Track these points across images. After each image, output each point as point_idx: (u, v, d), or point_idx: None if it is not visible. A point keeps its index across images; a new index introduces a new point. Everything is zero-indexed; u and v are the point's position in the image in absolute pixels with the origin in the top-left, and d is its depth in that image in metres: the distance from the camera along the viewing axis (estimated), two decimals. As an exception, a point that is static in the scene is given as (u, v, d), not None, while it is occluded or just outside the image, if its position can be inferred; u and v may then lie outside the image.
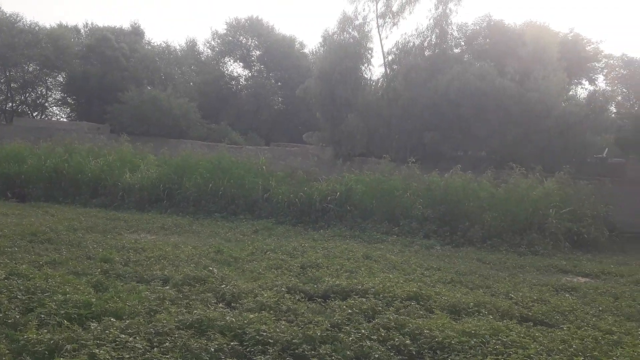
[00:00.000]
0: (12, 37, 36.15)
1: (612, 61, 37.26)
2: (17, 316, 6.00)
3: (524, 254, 13.75)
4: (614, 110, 29.64)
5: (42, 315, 6.05)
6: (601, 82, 36.86)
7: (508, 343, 6.22)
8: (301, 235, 14.10)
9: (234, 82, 42.86)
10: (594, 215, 16.57)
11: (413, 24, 50.54)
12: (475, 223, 15.20)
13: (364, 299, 7.54)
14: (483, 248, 14.15)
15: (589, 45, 33.08)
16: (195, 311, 6.59)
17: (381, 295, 7.83)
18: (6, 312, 6.04)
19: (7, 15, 38.25)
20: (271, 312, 6.86)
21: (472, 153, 24.71)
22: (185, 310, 6.70)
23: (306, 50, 42.47)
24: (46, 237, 10.92)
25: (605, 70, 37.49)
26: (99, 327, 5.83)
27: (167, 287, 7.75)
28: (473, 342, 6.16)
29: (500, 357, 5.91)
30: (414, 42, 26.41)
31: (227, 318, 6.35)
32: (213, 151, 23.57)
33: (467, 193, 16.09)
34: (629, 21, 74.82)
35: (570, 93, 29.86)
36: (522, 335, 6.54)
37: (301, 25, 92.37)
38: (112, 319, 6.08)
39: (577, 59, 30.06)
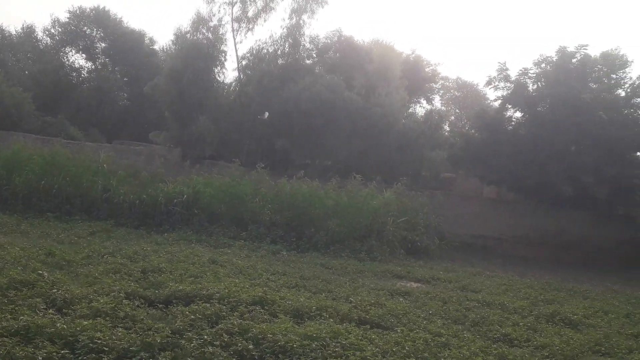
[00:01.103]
0: None
1: (448, 83, 40.71)
2: None
3: (363, 259, 14.40)
4: (448, 129, 32.27)
5: None
6: (437, 102, 40.03)
7: (347, 345, 6.46)
8: (143, 238, 13.49)
9: (75, 74, 40.07)
10: (427, 225, 17.91)
11: (268, 32, 50.98)
12: (320, 229, 15.64)
13: (208, 304, 7.41)
14: (327, 254, 14.58)
15: (428, 67, 35.69)
16: (22, 317, 6.06)
17: (226, 301, 7.74)
18: None
19: None
20: (107, 318, 6.49)
21: (320, 162, 25.44)
22: (10, 316, 6.12)
23: (156, 47, 40.98)
24: None
25: (442, 91, 40.84)
26: None
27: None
28: (314, 345, 6.30)
29: (339, 359, 6.11)
30: (267, 50, 26.70)
31: (58, 325, 5.92)
32: (48, 146, 21.83)
33: (313, 200, 16.51)
34: (464, 46, 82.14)
35: (410, 110, 32.13)
36: (359, 337, 6.83)
37: (151, 20, 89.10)
38: None
39: (417, 79, 32.28)
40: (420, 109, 36.38)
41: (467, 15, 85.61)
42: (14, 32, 40.98)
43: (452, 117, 39.64)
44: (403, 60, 30.07)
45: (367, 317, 8.01)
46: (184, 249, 12.24)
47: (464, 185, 24.94)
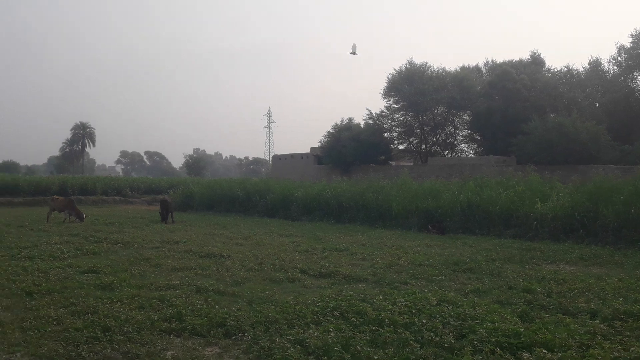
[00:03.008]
0: (423, 85, 40.37)
1: None
2: (452, 341, 6.39)
3: None
4: None
5: (475, 342, 6.29)
6: None
7: None
8: None
9: (645, 98, 38.45)
10: None
11: None
12: None
13: None
14: None
15: None
16: (632, 349, 6.00)
17: None
18: (442, 337, 6.50)
19: (418, 65, 42.92)
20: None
21: None
22: (620, 347, 6.15)
23: None
24: (467, 266, 11.60)
25: None
26: (531, 358, 5.83)
27: (597, 320, 7.25)
28: None
29: None
30: None
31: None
32: (628, 174, 21.44)
33: None
34: None
35: None
36: None
37: None
38: (543, 351, 6.00)
39: None
40: None
41: None
42: (581, 70, 42.74)
43: None
44: None
45: None
46: None
47: None
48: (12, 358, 6.00)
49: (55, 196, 25.37)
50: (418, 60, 44.03)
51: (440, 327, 6.88)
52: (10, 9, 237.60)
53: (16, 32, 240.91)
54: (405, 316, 7.34)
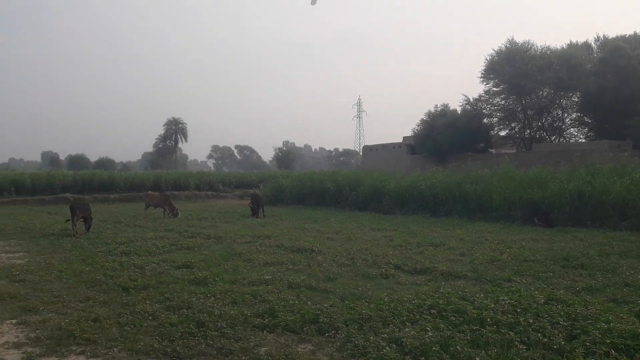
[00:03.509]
0: (525, 65, 38.32)
1: None
2: (562, 342, 5.92)
3: None
4: None
5: (587, 344, 5.82)
6: None
7: None
8: None
9: None
10: None
11: None
12: None
13: None
14: None
15: None
16: None
17: None
18: (550, 338, 6.04)
19: (519, 44, 40.78)
20: None
21: None
22: None
23: None
24: (578, 262, 10.83)
25: None
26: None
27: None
28: None
29: None
30: None
31: None
32: None
33: None
34: None
35: None
36: None
37: None
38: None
39: None
40: None
41: None
42: None
43: None
44: None
45: None
46: None
47: None
48: (110, 353, 6.08)
49: (149, 192, 26.39)
50: (519, 39, 41.64)
51: (549, 327, 6.41)
52: (102, 10, 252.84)
53: (109, 33, 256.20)
54: (510, 315, 6.87)
